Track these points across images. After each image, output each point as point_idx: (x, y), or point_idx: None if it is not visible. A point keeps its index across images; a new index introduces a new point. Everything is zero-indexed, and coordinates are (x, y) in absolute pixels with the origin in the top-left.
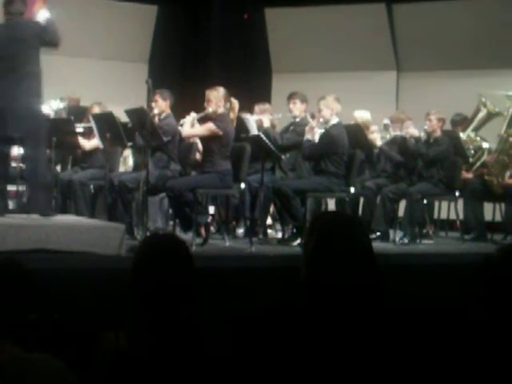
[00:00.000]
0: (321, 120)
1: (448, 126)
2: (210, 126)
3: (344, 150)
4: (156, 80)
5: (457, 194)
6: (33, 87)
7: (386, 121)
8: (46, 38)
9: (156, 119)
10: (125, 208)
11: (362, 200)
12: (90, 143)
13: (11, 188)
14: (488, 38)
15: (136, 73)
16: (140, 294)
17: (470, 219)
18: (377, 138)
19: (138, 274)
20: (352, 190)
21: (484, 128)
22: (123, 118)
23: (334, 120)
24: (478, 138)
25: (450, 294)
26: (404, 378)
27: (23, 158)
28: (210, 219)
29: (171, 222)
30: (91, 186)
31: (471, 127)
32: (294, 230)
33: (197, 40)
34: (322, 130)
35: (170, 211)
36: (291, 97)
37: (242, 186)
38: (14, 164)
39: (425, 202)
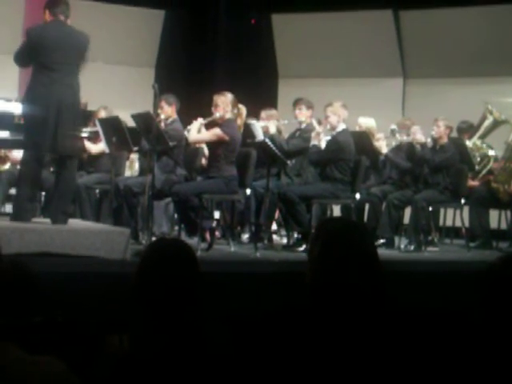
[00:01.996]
0: (328, 127)
1: (454, 134)
2: (216, 132)
3: (350, 157)
4: (162, 85)
5: (462, 201)
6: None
7: (393, 126)
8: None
9: (162, 124)
10: (130, 212)
11: (367, 206)
12: (95, 147)
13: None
14: (495, 45)
15: (142, 77)
16: (145, 297)
17: (476, 227)
18: (382, 145)
19: (144, 278)
20: (357, 196)
21: (490, 135)
22: (130, 122)
23: (341, 127)
24: (484, 146)
25: (455, 301)
26: (407, 382)
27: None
28: (215, 224)
29: (176, 227)
30: (97, 191)
31: (477, 135)
32: (299, 236)
33: (204, 45)
34: (329, 137)
35: (175, 216)
36: (297, 103)
37: (248, 191)
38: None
39: (430, 209)
